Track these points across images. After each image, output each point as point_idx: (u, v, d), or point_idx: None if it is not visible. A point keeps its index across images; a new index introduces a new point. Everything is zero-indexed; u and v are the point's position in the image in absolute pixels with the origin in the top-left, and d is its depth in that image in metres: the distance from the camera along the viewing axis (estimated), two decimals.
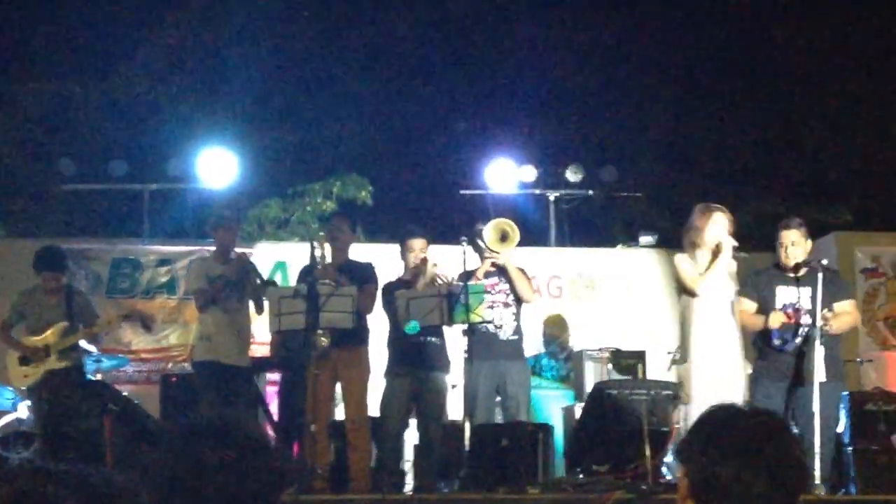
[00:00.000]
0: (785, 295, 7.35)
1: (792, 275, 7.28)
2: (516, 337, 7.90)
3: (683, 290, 7.15)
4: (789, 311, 7.27)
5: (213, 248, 8.78)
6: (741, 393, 6.89)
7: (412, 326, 7.41)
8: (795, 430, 7.30)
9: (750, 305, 7.66)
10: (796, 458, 2.17)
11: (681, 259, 7.15)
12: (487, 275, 7.90)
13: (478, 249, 7.86)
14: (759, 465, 2.10)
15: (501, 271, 7.91)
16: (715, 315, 7.01)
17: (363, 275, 7.73)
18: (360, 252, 8.28)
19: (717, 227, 7.08)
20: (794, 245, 7.28)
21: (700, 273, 7.05)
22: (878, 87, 15.60)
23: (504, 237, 7.82)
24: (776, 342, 7.31)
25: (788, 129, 15.84)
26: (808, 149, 15.62)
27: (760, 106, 15.88)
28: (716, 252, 7.04)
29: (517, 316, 7.93)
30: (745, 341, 7.24)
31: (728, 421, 2.18)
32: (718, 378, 6.83)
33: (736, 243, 7.06)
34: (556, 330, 10.48)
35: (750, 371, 7.33)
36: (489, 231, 7.80)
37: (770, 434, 2.15)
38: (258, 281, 7.97)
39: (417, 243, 7.93)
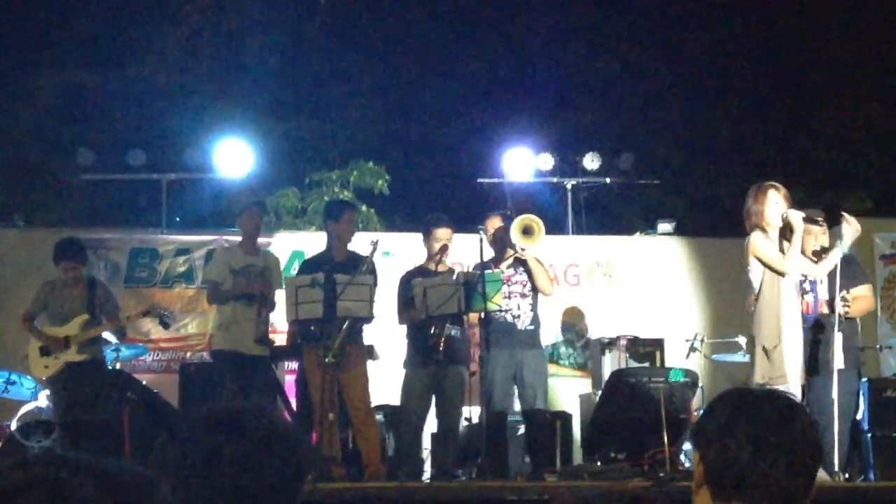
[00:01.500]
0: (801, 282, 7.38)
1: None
2: (533, 326, 7.88)
3: (770, 270, 6.85)
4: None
5: (230, 238, 8.83)
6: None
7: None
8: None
9: None
10: (813, 441, 2.14)
11: (758, 238, 6.84)
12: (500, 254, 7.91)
13: (503, 242, 7.84)
14: (776, 450, 2.07)
15: (520, 262, 7.90)
16: (794, 293, 6.87)
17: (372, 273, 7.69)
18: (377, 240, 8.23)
19: (775, 205, 6.85)
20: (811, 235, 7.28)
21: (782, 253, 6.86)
22: (885, 79, 15.51)
23: (528, 231, 7.79)
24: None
25: (807, 116, 15.77)
26: (827, 135, 15.54)
27: (779, 92, 15.82)
28: (784, 229, 6.84)
29: (534, 306, 7.91)
30: None
31: (744, 404, 2.14)
32: (797, 355, 6.76)
33: (803, 214, 6.85)
34: (573, 318, 10.49)
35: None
36: (515, 226, 7.78)
37: (786, 417, 2.11)
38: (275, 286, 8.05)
39: (443, 233, 7.91)
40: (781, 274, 6.79)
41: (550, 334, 9.33)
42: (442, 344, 7.52)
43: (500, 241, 7.89)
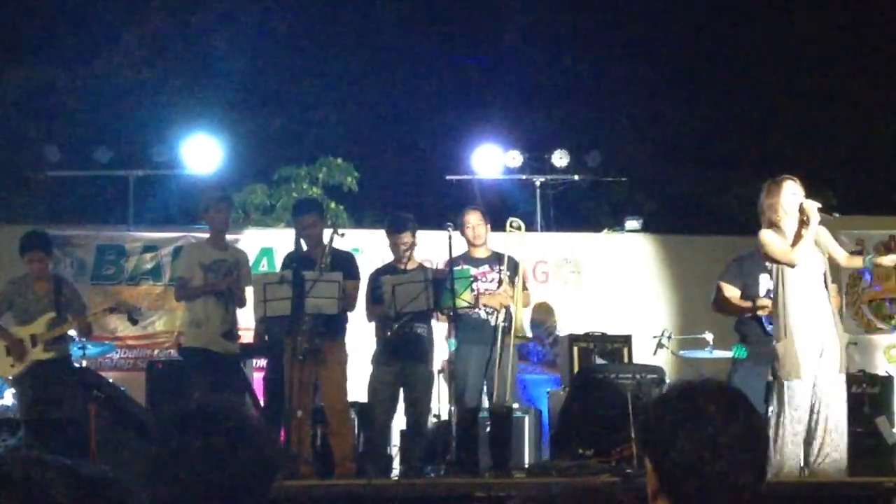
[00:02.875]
0: (767, 282, 7.35)
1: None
2: (506, 323, 7.89)
3: (776, 264, 6.68)
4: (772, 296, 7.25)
5: (197, 235, 8.79)
6: (841, 363, 6.66)
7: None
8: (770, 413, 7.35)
9: (734, 291, 7.71)
10: (758, 431, 2.07)
11: (767, 234, 6.67)
12: (479, 263, 7.91)
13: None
14: (727, 449, 2.00)
15: (493, 260, 7.91)
16: (808, 286, 6.63)
17: (346, 267, 7.67)
18: (346, 238, 8.23)
19: (792, 196, 6.67)
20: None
21: (791, 244, 6.63)
22: (861, 73, 15.65)
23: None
24: (769, 327, 7.31)
25: (774, 115, 15.90)
26: (793, 134, 15.67)
27: (745, 91, 15.92)
28: (802, 219, 6.63)
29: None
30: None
31: (686, 407, 2.05)
32: (818, 350, 6.57)
33: (819, 205, 6.65)
34: (542, 315, 10.51)
35: (847, 341, 6.98)
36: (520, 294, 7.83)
37: (730, 413, 2.04)
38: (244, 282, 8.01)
39: (404, 237, 7.89)
40: (790, 265, 6.62)
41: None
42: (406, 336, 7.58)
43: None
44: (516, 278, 7.85)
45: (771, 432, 6.53)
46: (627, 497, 1.64)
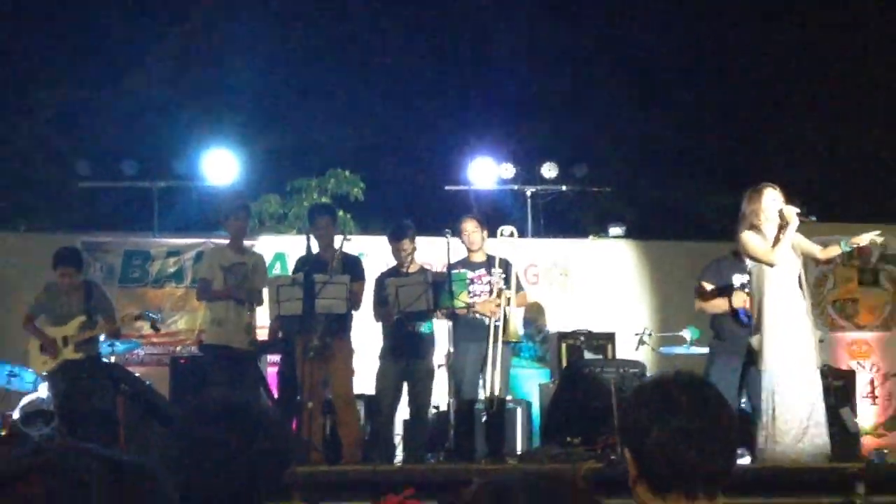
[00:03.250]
0: (741, 280, 7.39)
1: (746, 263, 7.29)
2: (500, 323, 7.90)
3: (757, 262, 6.71)
4: (748, 289, 7.27)
5: (216, 241, 8.80)
6: (815, 357, 6.65)
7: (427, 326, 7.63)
8: (743, 404, 7.37)
9: (711, 288, 7.74)
10: (728, 419, 2.04)
11: (748, 235, 6.70)
12: (476, 267, 7.92)
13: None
14: (699, 435, 1.98)
15: (488, 264, 7.93)
16: (783, 285, 6.66)
17: (354, 270, 7.69)
18: (353, 243, 8.25)
19: (772, 202, 6.69)
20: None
21: (772, 245, 6.64)
22: (831, 87, 15.65)
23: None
24: (744, 319, 7.33)
25: (748, 128, 15.90)
26: (763, 147, 15.66)
27: (719, 106, 15.94)
28: (781, 223, 6.64)
29: (501, 304, 7.92)
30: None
31: (660, 399, 2.03)
32: (792, 345, 6.58)
33: (798, 210, 6.64)
34: (533, 314, 10.51)
35: (818, 337, 6.97)
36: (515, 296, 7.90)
37: (702, 403, 2.02)
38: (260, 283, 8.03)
39: (405, 244, 7.92)
40: (770, 264, 6.62)
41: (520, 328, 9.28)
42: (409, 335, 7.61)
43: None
44: (511, 278, 7.86)
45: (764, 419, 6.56)
46: (580, 481, 1.64)
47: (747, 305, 7.27)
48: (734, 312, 7.51)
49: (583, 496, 1.41)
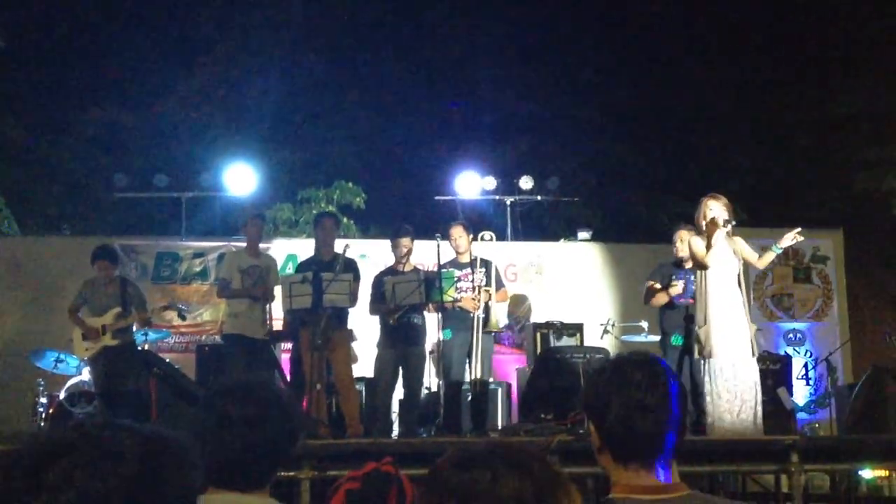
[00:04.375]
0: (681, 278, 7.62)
1: (684, 266, 7.44)
2: (483, 315, 7.90)
3: (698, 266, 6.76)
4: (682, 279, 7.50)
5: (236, 244, 8.78)
6: (750, 347, 6.63)
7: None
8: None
9: (655, 285, 7.85)
10: (680, 397, 1.99)
11: (694, 240, 6.76)
12: (463, 267, 7.91)
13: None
14: (655, 410, 1.95)
15: (473, 264, 7.92)
16: (724, 284, 6.66)
17: (352, 271, 7.68)
18: (355, 247, 8.24)
19: (708, 210, 6.70)
20: (682, 242, 7.40)
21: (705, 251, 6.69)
22: (764, 110, 15.73)
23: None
24: (677, 300, 7.61)
25: (693, 149, 15.96)
26: (710, 163, 15.72)
27: (671, 130, 16.02)
28: (709, 231, 6.67)
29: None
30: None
31: (618, 376, 2.00)
32: (731, 335, 6.59)
33: (725, 217, 6.65)
34: (514, 306, 10.51)
35: (755, 329, 6.92)
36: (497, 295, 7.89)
37: (653, 380, 1.98)
38: (273, 282, 8.02)
39: (405, 241, 7.93)
40: (703, 267, 6.67)
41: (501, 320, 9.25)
42: (404, 325, 7.59)
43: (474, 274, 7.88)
44: (491, 275, 7.86)
45: (707, 401, 6.57)
46: (542, 452, 1.62)
47: (679, 291, 7.54)
48: (670, 300, 7.66)
49: (541, 463, 1.40)
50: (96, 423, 1.26)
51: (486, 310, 7.80)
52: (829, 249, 11.50)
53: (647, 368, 2.01)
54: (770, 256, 7.03)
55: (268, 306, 8.11)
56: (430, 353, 8.20)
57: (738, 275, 6.75)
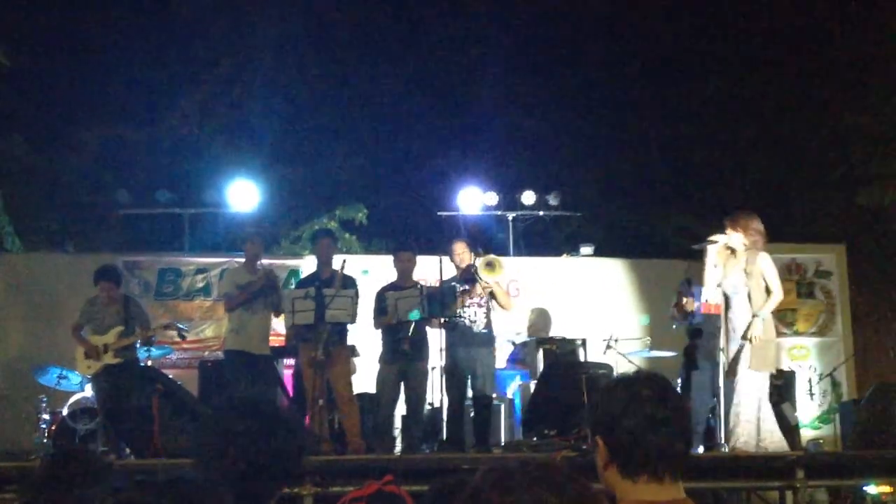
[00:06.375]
0: (701, 293, 7.70)
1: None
2: (486, 330, 7.88)
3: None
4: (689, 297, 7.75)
5: (239, 259, 8.79)
6: (751, 362, 6.77)
7: (414, 314, 7.50)
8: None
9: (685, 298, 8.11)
10: (684, 411, 2.10)
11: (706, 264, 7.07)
12: (464, 283, 7.90)
13: (473, 279, 7.83)
14: (662, 424, 2.02)
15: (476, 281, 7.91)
16: (737, 302, 6.84)
17: (352, 287, 7.68)
18: (357, 262, 8.26)
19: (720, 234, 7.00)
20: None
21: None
22: (768, 117, 15.73)
23: (490, 266, 7.82)
24: (691, 319, 7.90)
25: (698, 164, 15.95)
26: (713, 178, 15.72)
27: (671, 143, 16.03)
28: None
29: (487, 314, 7.91)
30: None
31: (628, 392, 2.07)
32: (740, 351, 6.74)
33: (713, 241, 6.95)
34: (538, 318, 10.52)
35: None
36: (481, 262, 7.80)
37: (662, 395, 2.06)
38: (276, 295, 8.01)
39: (406, 255, 7.95)
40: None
41: (501, 336, 9.19)
42: (407, 343, 7.54)
43: (471, 279, 7.84)
44: (482, 272, 7.80)
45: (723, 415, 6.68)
46: (575, 473, 1.61)
47: (691, 308, 7.84)
48: (686, 314, 7.79)
49: (577, 483, 1.40)
50: (133, 485, 1.24)
51: (488, 324, 7.80)
52: (833, 265, 11.47)
53: (656, 386, 2.09)
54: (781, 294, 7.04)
55: (272, 320, 8.12)
56: (433, 368, 8.18)
57: (748, 293, 6.81)
